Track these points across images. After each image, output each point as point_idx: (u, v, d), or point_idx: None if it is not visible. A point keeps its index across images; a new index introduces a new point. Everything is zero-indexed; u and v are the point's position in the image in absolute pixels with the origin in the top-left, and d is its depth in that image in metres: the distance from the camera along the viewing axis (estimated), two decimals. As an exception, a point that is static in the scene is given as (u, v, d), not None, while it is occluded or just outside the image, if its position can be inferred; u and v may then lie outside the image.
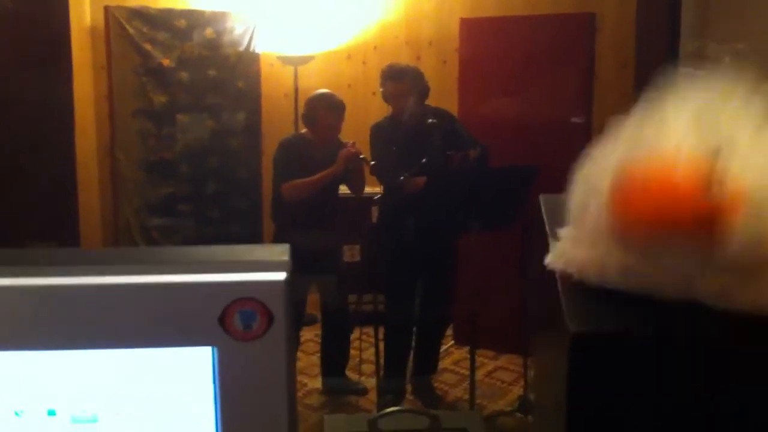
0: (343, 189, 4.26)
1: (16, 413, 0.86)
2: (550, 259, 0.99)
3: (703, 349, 0.82)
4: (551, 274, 0.97)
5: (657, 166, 0.85)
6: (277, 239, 4.42)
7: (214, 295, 0.83)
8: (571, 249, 0.96)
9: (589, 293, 0.90)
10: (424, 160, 3.82)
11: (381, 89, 4.09)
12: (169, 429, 0.87)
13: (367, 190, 4.50)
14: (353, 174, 4.13)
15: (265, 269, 0.84)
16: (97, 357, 0.85)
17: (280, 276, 0.83)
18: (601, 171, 0.92)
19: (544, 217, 1.10)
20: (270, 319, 0.83)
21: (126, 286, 0.82)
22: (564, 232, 1.00)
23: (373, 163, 4.04)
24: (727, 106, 0.90)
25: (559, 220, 1.01)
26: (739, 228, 0.80)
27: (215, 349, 0.84)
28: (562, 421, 0.86)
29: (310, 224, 4.00)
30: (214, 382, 0.84)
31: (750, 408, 0.82)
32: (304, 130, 4.20)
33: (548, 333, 1.04)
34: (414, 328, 4.21)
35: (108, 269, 0.84)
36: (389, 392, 4.03)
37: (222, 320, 0.83)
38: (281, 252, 0.89)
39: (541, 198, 1.16)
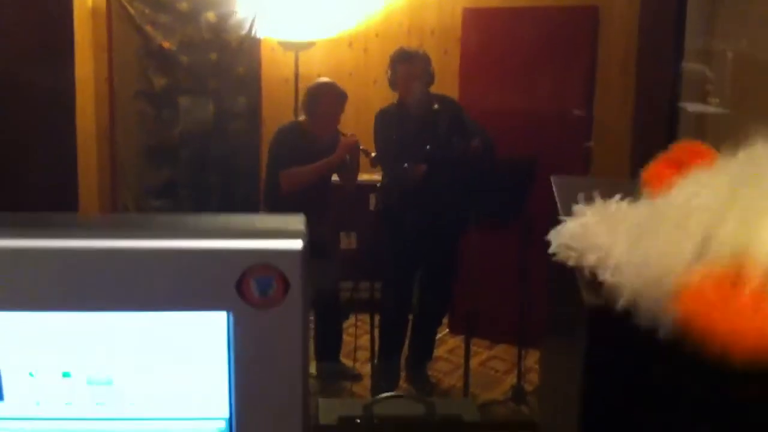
0: (334, 178, 4.25)
1: (31, 374, 0.86)
2: (555, 238, 0.97)
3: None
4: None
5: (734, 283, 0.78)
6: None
7: (231, 260, 0.83)
8: (594, 236, 0.93)
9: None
10: (428, 147, 3.83)
11: (388, 74, 4.07)
12: (184, 393, 0.87)
13: (364, 177, 4.50)
14: (348, 165, 4.12)
15: (282, 237, 0.85)
16: (114, 320, 0.85)
17: (297, 244, 0.84)
18: (675, 231, 0.84)
19: (557, 198, 1.11)
20: (286, 286, 0.84)
21: (145, 250, 0.83)
22: (582, 211, 0.98)
23: (374, 155, 4.04)
24: None
25: (571, 201, 1.01)
26: None
27: (231, 315, 0.84)
28: (578, 399, 0.86)
29: (303, 211, 3.99)
30: (229, 347, 0.85)
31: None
32: (301, 118, 4.19)
33: (563, 311, 1.05)
34: (410, 316, 4.22)
35: (128, 233, 0.84)
36: (383, 379, 4.04)
37: (239, 286, 0.83)
38: (298, 221, 0.90)
39: (553, 180, 1.16)
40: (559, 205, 1.07)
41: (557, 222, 1.01)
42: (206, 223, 0.93)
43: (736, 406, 0.80)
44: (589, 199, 0.98)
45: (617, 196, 0.97)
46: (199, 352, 0.86)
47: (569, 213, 1.00)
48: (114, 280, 0.83)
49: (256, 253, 0.83)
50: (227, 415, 0.88)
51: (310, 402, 0.85)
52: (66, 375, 0.87)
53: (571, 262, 0.92)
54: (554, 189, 1.12)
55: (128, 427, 0.89)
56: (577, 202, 1.01)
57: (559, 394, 1.02)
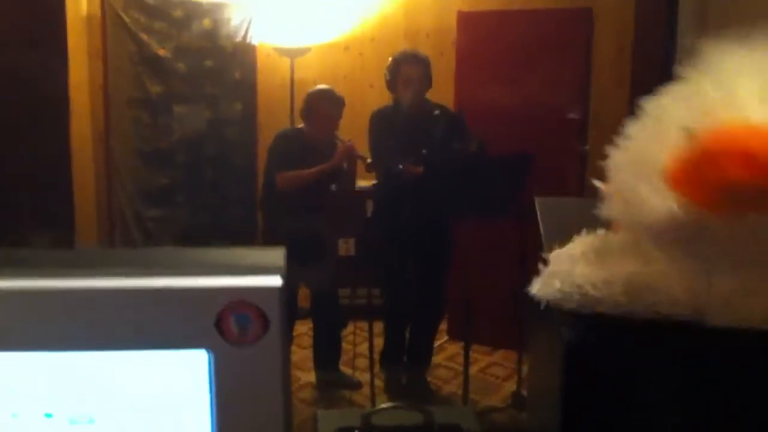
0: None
1: (13, 415, 0.86)
2: (538, 288, 0.98)
3: (693, 358, 0.82)
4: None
5: (729, 136, 0.79)
6: (267, 229, 4.42)
7: (210, 298, 0.83)
8: (571, 267, 0.94)
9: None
10: (424, 151, 3.82)
11: (387, 76, 4.06)
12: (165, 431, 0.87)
13: (361, 184, 4.49)
14: (345, 173, 4.13)
15: (260, 273, 0.84)
16: (95, 359, 0.85)
17: (276, 281, 0.84)
18: (653, 149, 0.87)
19: (540, 221, 1.10)
20: (266, 323, 0.83)
21: (123, 290, 0.82)
22: (555, 255, 0.99)
23: (369, 161, 4.03)
24: None
25: (555, 226, 1.01)
26: None
27: (211, 353, 0.84)
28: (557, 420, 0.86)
29: (300, 218, 4.00)
30: (210, 386, 0.85)
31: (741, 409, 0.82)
32: (301, 125, 4.20)
33: (542, 337, 1.05)
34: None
35: (105, 272, 0.84)
36: (385, 386, 4.04)
37: (218, 324, 0.83)
38: (277, 256, 0.89)
39: (537, 201, 1.15)
40: (542, 228, 1.07)
41: (541, 248, 1.01)
42: (185, 258, 0.93)
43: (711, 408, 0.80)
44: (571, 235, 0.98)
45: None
46: (180, 391, 0.86)
47: (552, 236, 1.01)
48: (93, 320, 0.83)
49: (235, 290, 0.83)
50: (209, 453, 0.87)
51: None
52: (48, 416, 0.87)
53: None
54: (538, 211, 1.11)
55: (111, 465, 0.88)
56: (561, 227, 1.01)
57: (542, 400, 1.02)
